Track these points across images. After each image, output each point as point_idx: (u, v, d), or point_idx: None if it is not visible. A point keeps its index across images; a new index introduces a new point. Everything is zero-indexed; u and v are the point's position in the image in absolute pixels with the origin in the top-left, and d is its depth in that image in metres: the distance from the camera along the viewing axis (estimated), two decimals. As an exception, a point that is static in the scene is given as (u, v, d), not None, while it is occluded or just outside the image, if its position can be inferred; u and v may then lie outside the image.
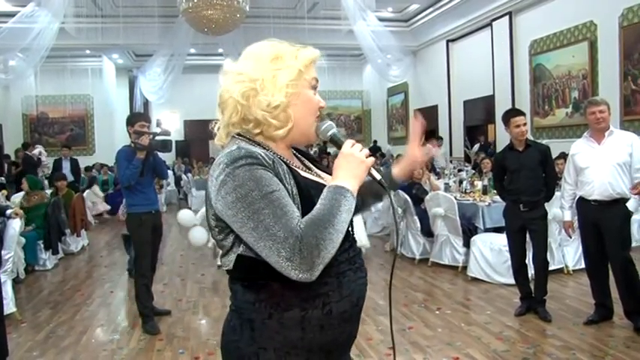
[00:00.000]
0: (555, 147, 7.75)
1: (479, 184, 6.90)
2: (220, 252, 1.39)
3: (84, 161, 14.54)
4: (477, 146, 12.51)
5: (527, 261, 4.66)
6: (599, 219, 4.03)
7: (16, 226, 5.13)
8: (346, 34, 12.92)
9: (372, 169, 1.36)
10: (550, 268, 4.75)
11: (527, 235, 4.55)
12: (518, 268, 4.61)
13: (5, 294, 4.73)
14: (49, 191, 8.26)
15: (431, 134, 14.62)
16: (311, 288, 1.26)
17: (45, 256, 6.82)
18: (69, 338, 4.30)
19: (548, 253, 4.61)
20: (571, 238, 5.14)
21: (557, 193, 4.73)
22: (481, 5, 11.63)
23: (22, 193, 7.50)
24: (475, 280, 5.59)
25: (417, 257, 6.52)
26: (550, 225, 4.96)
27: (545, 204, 4.53)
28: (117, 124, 16.11)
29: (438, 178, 8.78)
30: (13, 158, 12.85)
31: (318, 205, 1.24)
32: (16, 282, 5.63)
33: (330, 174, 1.39)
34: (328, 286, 1.31)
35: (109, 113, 16.36)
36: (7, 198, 7.27)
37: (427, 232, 6.45)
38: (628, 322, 4.07)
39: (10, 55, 11.22)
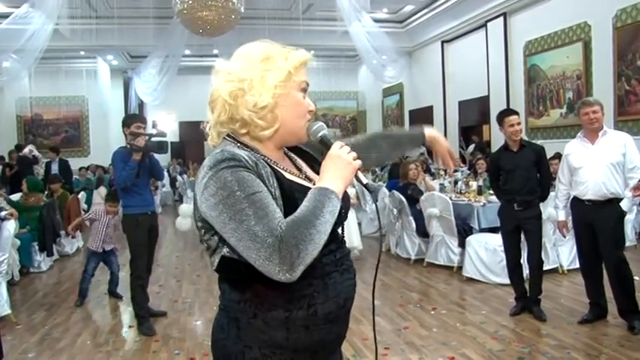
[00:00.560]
0: (550, 147, 7.79)
1: (474, 184, 6.93)
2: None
3: (79, 163, 14.51)
4: (472, 147, 12.54)
5: (522, 261, 4.68)
6: (593, 219, 4.05)
7: (10, 227, 5.11)
8: (341, 35, 12.92)
9: (358, 172, 1.36)
10: (545, 268, 4.77)
11: (522, 235, 4.57)
12: (514, 267, 4.63)
13: (0, 296, 4.72)
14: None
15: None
16: (295, 289, 1.28)
17: (40, 257, 6.81)
18: (64, 340, 4.30)
19: (542, 253, 4.63)
20: (565, 237, 5.17)
21: (551, 194, 4.75)
22: (476, 6, 11.66)
23: (19, 194, 7.49)
24: (470, 280, 5.61)
25: (413, 257, 6.54)
26: (545, 225, 4.99)
27: (540, 204, 4.55)
28: (112, 125, 16.05)
29: (433, 179, 8.80)
30: (6, 160, 12.78)
31: (301, 207, 1.24)
32: (10, 284, 5.60)
33: None
34: (313, 287, 1.32)
35: (103, 115, 16.30)
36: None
37: (422, 232, 6.46)
38: (622, 321, 4.09)
39: (4, 57, 11.16)
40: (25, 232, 6.57)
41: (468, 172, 9.48)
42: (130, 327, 4.63)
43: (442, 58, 13.86)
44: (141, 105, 16.60)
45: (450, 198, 6.27)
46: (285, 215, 1.24)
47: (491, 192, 5.42)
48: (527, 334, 4.08)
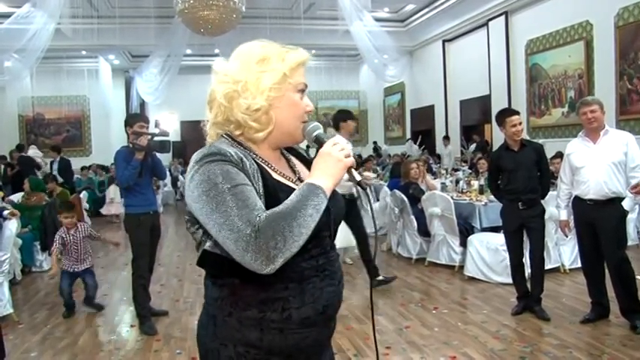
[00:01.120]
0: (551, 146, 7.79)
1: (475, 183, 6.93)
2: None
3: (80, 162, 14.52)
4: (473, 146, 12.54)
5: (524, 260, 4.67)
6: (594, 218, 4.04)
7: (12, 227, 5.12)
8: (343, 34, 12.92)
9: (352, 169, 1.36)
10: (547, 267, 4.77)
11: (525, 235, 4.56)
12: (516, 267, 4.61)
13: (2, 295, 4.74)
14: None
15: (427, 134, 14.69)
16: (270, 291, 1.29)
17: (41, 257, 6.81)
18: (66, 339, 4.30)
19: (545, 252, 4.62)
20: (567, 237, 5.16)
21: (552, 192, 4.74)
22: (477, 5, 11.66)
23: (21, 194, 7.49)
24: (472, 279, 5.60)
25: (414, 257, 6.53)
26: (547, 224, 4.98)
27: (542, 202, 4.54)
28: (113, 125, 16.08)
29: (435, 178, 8.79)
30: (8, 159, 12.80)
31: (286, 200, 1.24)
32: (12, 283, 5.61)
33: None
34: (289, 291, 1.31)
35: (105, 114, 16.32)
36: (3, 199, 7.25)
37: (424, 231, 6.45)
38: (624, 321, 4.08)
39: (6, 56, 11.18)
40: (27, 232, 6.57)
41: (470, 171, 9.48)
42: (131, 326, 4.63)
43: (443, 57, 13.87)
44: (142, 104, 16.61)
45: (452, 197, 6.26)
46: None
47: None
48: (529, 334, 4.07)
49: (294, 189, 1.32)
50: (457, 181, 7.59)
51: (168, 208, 13.45)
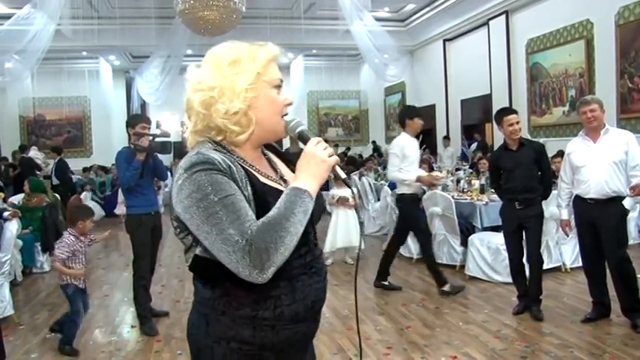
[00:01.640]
0: (552, 145, 7.78)
1: (476, 183, 6.91)
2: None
3: (81, 163, 14.54)
4: (474, 145, 12.53)
5: (524, 259, 4.66)
6: (595, 217, 4.03)
7: (13, 228, 5.12)
8: (343, 34, 12.91)
9: (337, 167, 1.38)
10: (548, 267, 4.76)
11: (524, 234, 4.55)
12: (516, 266, 4.61)
13: (2, 296, 4.74)
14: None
15: (428, 134, 14.67)
16: (263, 290, 1.31)
17: (42, 258, 6.82)
18: (67, 340, 4.29)
19: (545, 252, 4.62)
20: (568, 236, 5.15)
21: (553, 191, 4.73)
22: (477, 4, 11.64)
23: (22, 195, 7.50)
24: (473, 279, 5.59)
25: (415, 257, 6.52)
26: (547, 223, 4.97)
27: (543, 202, 4.53)
28: (114, 125, 16.09)
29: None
30: (10, 160, 12.82)
31: (274, 208, 1.26)
32: (13, 284, 5.61)
33: None
34: (280, 289, 1.35)
35: (106, 115, 16.33)
36: (4, 200, 7.26)
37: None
38: (625, 320, 4.08)
39: (7, 57, 11.19)
40: (28, 233, 6.58)
41: (471, 170, 9.46)
42: (132, 327, 4.63)
43: (444, 57, 13.85)
44: (143, 105, 16.61)
45: (453, 197, 6.25)
46: (258, 218, 1.26)
47: (493, 190, 5.40)
48: (530, 333, 4.07)
49: (281, 191, 1.34)
50: (458, 181, 7.57)
51: (169, 208, 13.46)
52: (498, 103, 10.67)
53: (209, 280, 1.38)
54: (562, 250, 5.76)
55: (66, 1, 9.95)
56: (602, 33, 8.61)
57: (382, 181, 9.54)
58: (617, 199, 3.99)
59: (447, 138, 13.57)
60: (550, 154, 5.75)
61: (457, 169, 10.29)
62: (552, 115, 9.95)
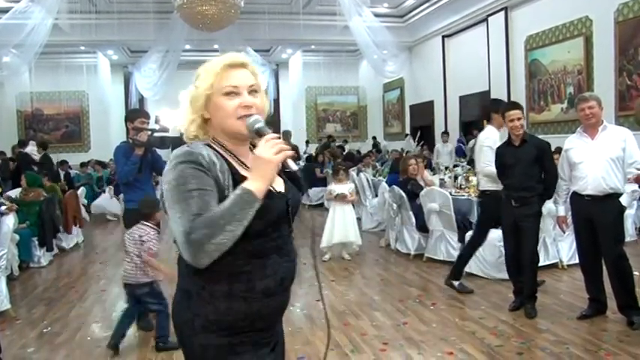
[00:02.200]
0: (551, 142, 7.74)
1: (474, 179, 6.89)
2: None
3: (79, 158, 14.52)
4: (472, 141, 12.51)
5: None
6: (592, 214, 4.03)
7: (9, 222, 5.10)
8: (342, 29, 12.89)
9: (288, 160, 1.50)
10: (544, 263, 4.75)
11: (522, 231, 4.53)
12: (512, 263, 4.61)
13: (-1, 291, 4.73)
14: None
15: (426, 130, 14.67)
16: (236, 265, 1.50)
17: (39, 252, 6.80)
18: (63, 335, 4.30)
19: (542, 248, 4.61)
20: (565, 233, 5.15)
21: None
22: (476, 0, 11.63)
23: (19, 189, 7.48)
24: (470, 275, 5.58)
25: (412, 253, 6.53)
26: (544, 220, 4.95)
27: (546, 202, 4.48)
28: (112, 120, 16.07)
29: (434, 174, 8.78)
30: (9, 155, 12.78)
31: (220, 205, 1.43)
32: (10, 279, 5.60)
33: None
34: (251, 266, 1.52)
35: (104, 110, 16.31)
36: (1, 194, 7.24)
37: (422, 227, 6.44)
38: (621, 317, 4.08)
39: (4, 52, 11.15)
40: (25, 227, 6.55)
41: (468, 167, 9.46)
42: (129, 322, 4.62)
43: (443, 53, 13.83)
44: (141, 100, 16.56)
45: (450, 193, 6.26)
46: None
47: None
48: (527, 330, 4.07)
49: None
50: (455, 177, 7.57)
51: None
52: (497, 99, 10.66)
53: None
54: (559, 246, 5.77)
55: (64, -5, 9.93)
56: (601, 30, 8.61)
57: (380, 177, 9.54)
58: (614, 196, 3.98)
59: (445, 133, 13.55)
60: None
61: (455, 166, 10.28)
62: (550, 112, 9.95)
